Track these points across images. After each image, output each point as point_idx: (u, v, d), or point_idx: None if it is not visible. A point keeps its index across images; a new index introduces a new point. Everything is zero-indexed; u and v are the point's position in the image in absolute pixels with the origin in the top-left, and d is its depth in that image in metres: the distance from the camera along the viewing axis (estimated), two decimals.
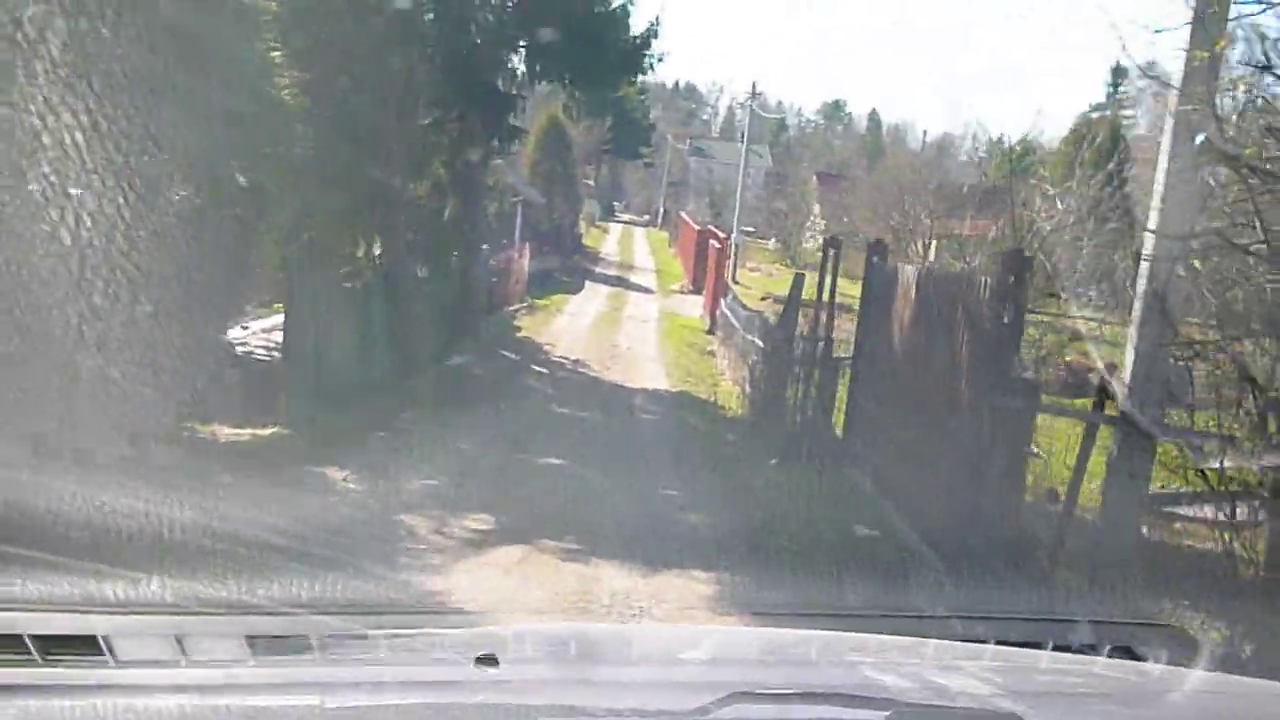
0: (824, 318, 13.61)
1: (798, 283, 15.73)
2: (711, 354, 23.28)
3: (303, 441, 10.10)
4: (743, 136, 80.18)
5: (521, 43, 18.47)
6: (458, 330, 19.96)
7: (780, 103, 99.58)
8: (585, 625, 4.84)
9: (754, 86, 35.47)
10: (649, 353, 21.88)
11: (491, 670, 1.94)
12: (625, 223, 63.68)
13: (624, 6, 18.81)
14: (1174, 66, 6.74)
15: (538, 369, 18.66)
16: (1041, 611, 5.49)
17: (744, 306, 25.75)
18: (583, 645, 2.47)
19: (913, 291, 9.39)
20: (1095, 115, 76.92)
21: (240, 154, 11.03)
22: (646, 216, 68.66)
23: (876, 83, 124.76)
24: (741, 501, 10.31)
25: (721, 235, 28.80)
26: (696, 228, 35.89)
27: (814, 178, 59.85)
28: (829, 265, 13.84)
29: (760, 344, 17.26)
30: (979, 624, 4.12)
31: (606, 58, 18.98)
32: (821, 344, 13.02)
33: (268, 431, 10.57)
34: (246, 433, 10.33)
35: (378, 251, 15.54)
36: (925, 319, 8.90)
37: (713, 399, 17.51)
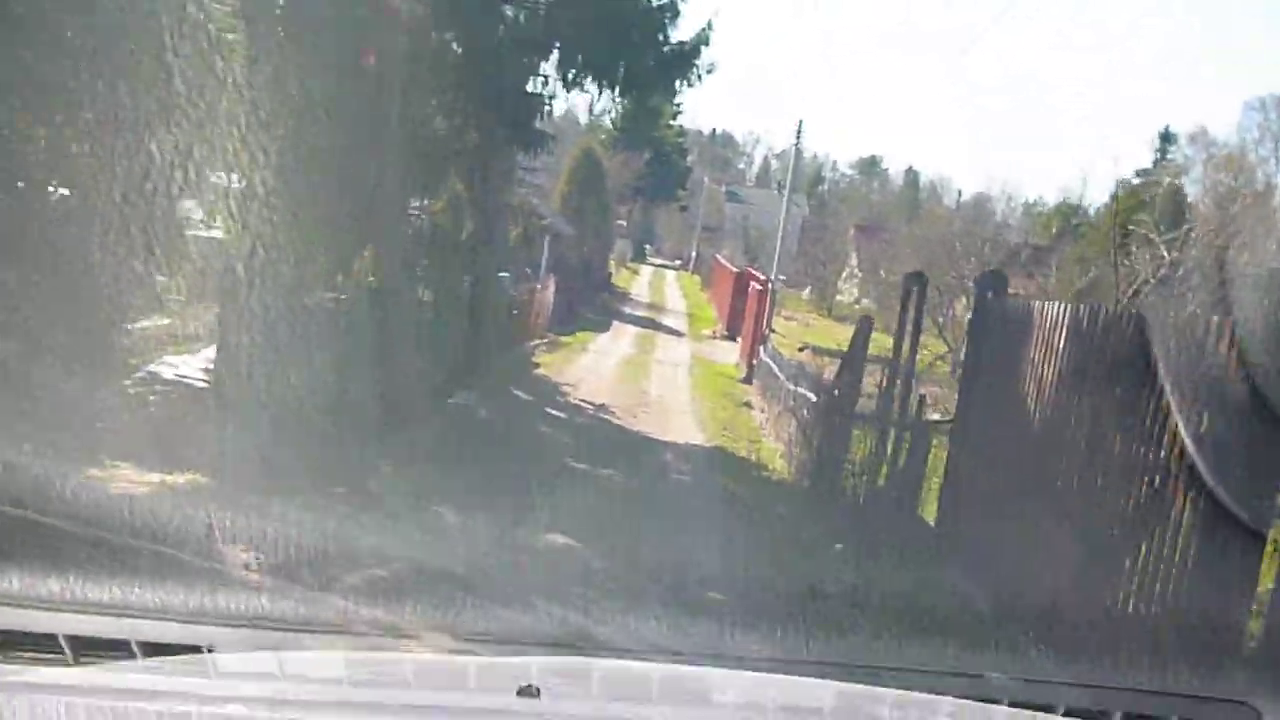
0: (904, 370, 10.97)
1: (864, 329, 13.13)
2: (749, 406, 20.63)
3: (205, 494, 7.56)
4: (784, 180, 78.11)
5: (554, 41, 16.09)
6: (466, 364, 17.44)
7: (815, 155, 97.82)
8: (623, 662, 4.02)
9: (800, 125, 33.06)
10: (680, 401, 19.25)
11: (534, 702, 2.07)
12: (657, 266, 61.31)
13: (672, 3, 16.49)
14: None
15: (555, 413, 16.08)
16: None
17: (783, 355, 23.17)
18: (621, 681, 2.57)
19: (1068, 338, 6.76)
20: (1138, 181, 74.55)
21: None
22: (678, 261, 66.34)
23: (912, 140, 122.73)
24: (805, 609, 7.62)
25: (762, 278, 26.29)
26: (734, 270, 33.39)
27: (852, 229, 57.54)
28: (911, 306, 11.22)
29: (813, 398, 14.66)
30: None
31: (650, 59, 16.56)
32: (904, 402, 10.36)
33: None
34: None
35: (368, 270, 13.05)
36: (1100, 378, 6.25)
37: (754, 459, 14.86)
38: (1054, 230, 44.61)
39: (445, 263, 16.87)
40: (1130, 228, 33.30)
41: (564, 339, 25.63)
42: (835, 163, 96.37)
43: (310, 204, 12.32)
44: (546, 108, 17.65)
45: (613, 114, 60.23)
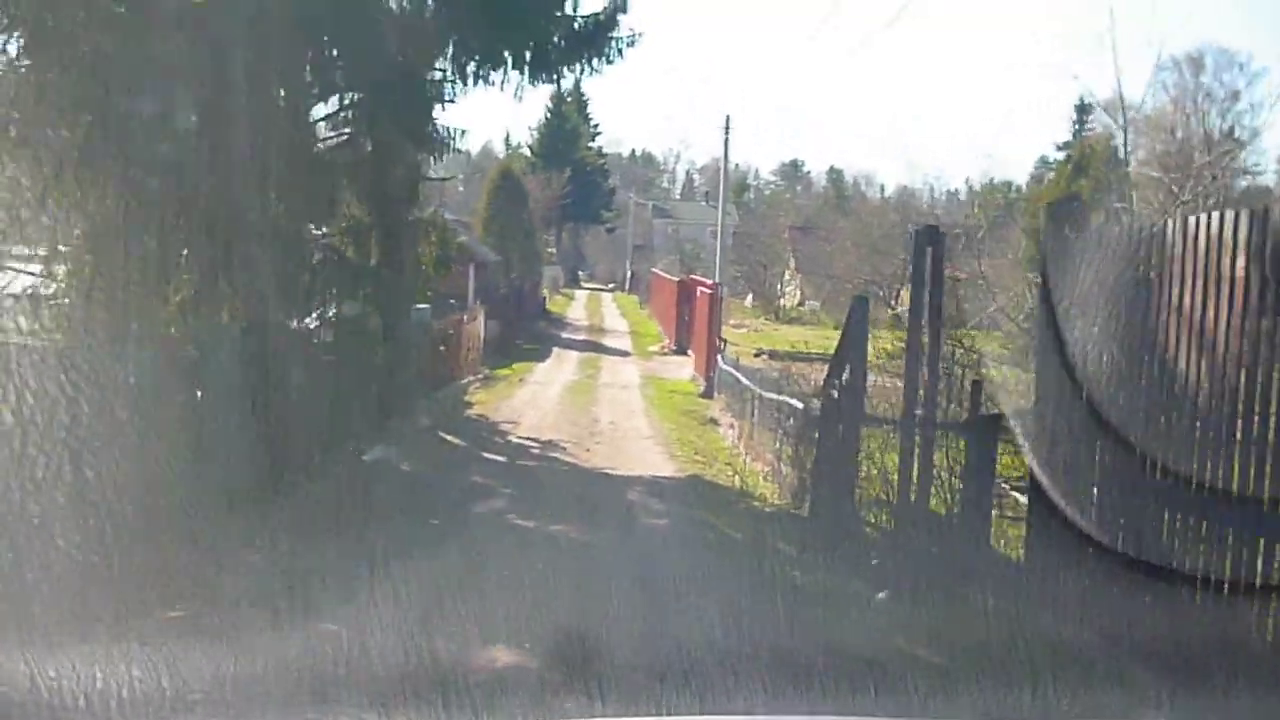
0: (928, 354, 8.37)
1: (859, 310, 10.52)
2: (714, 423, 18.00)
3: None
4: (711, 192, 76.17)
5: (456, 38, 13.43)
6: (382, 410, 14.55)
7: (737, 165, 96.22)
8: None
9: (727, 120, 30.70)
10: (638, 426, 16.51)
11: None
12: (591, 289, 58.67)
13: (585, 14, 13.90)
14: None
15: (492, 458, 13.23)
16: None
17: (744, 363, 20.60)
18: None
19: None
20: (1061, 154, 73.89)
21: None
22: (612, 284, 63.82)
23: (831, 141, 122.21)
24: (848, 681, 4.93)
25: (709, 283, 23.76)
26: (675, 280, 30.86)
27: (786, 231, 55.58)
28: (926, 271, 8.60)
29: (798, 405, 12.10)
30: None
31: (557, 32, 13.94)
32: (936, 396, 7.76)
33: None
34: None
35: (234, 305, 10.14)
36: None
37: (738, 485, 12.17)
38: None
39: (346, 294, 14.00)
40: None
41: (500, 372, 22.79)
42: (757, 170, 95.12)
43: (152, 226, 9.49)
44: (454, 126, 15.02)
45: (531, 135, 57.78)
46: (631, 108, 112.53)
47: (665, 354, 28.52)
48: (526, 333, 30.52)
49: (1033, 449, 6.21)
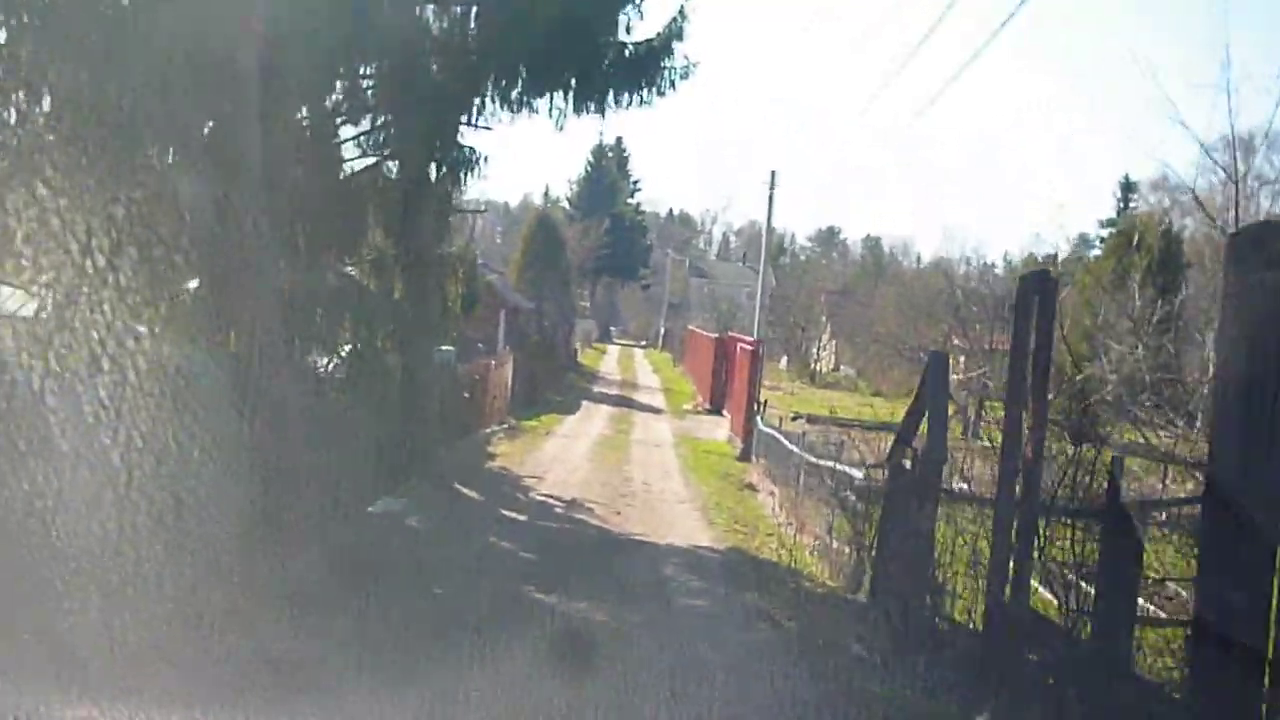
0: (1033, 423, 6.91)
1: (939, 365, 9.15)
2: (753, 489, 16.50)
3: None
4: (747, 253, 75.09)
5: (488, 34, 12.33)
6: (395, 458, 13.26)
7: (774, 229, 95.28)
8: None
9: (772, 176, 29.48)
10: (673, 488, 15.06)
11: None
12: (624, 345, 57.50)
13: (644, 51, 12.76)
14: None
15: (512, 516, 11.83)
16: None
17: (776, 426, 19.14)
18: None
19: None
20: (1105, 231, 72.33)
21: None
22: (644, 341, 62.66)
23: (868, 209, 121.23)
24: None
25: (750, 340, 22.41)
26: (713, 336, 29.55)
27: (823, 295, 54.32)
28: (1032, 322, 7.17)
29: (857, 476, 10.70)
30: None
31: (606, 57, 12.82)
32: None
33: None
34: None
35: (236, 339, 8.90)
36: None
37: (786, 561, 10.68)
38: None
39: (364, 329, 12.79)
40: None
41: (526, 423, 21.46)
42: (793, 235, 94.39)
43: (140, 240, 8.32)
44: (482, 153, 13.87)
45: (569, 188, 57.11)
46: (671, 168, 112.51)
47: (699, 412, 27.11)
48: (556, 384, 29.26)
49: (1207, 545, 4.75)
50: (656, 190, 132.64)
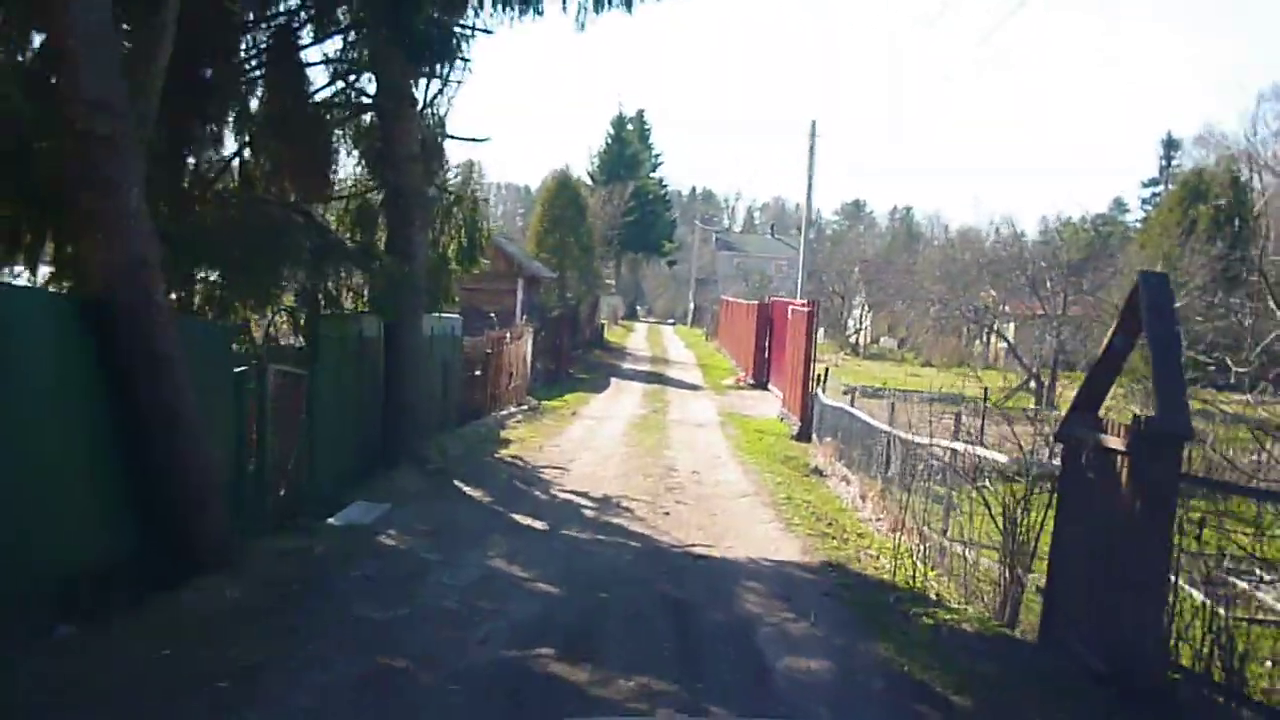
0: None
1: (1156, 293, 5.93)
2: (820, 474, 13.29)
3: None
4: (774, 224, 71.54)
5: None
6: (376, 448, 10.15)
7: (797, 205, 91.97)
8: None
9: (813, 126, 26.14)
10: (730, 479, 11.87)
11: None
12: (650, 323, 54.24)
13: None
14: None
15: (525, 523, 8.68)
16: None
17: (841, 399, 15.90)
18: None
19: None
20: (1148, 191, 68.02)
21: None
22: (672, 320, 59.38)
23: (895, 181, 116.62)
24: None
25: (802, 304, 19.11)
26: (753, 304, 26.27)
27: (857, 267, 50.80)
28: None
29: (1003, 461, 7.56)
30: None
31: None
32: None
33: None
34: None
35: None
36: None
37: (902, 581, 7.50)
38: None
39: (331, 284, 9.68)
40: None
41: (549, 404, 18.34)
42: (819, 210, 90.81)
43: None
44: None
45: (590, 162, 53.65)
46: (693, 145, 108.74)
47: (741, 388, 23.89)
48: (582, 362, 26.14)
49: None
50: (679, 168, 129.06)
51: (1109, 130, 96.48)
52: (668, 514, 9.30)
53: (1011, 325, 42.68)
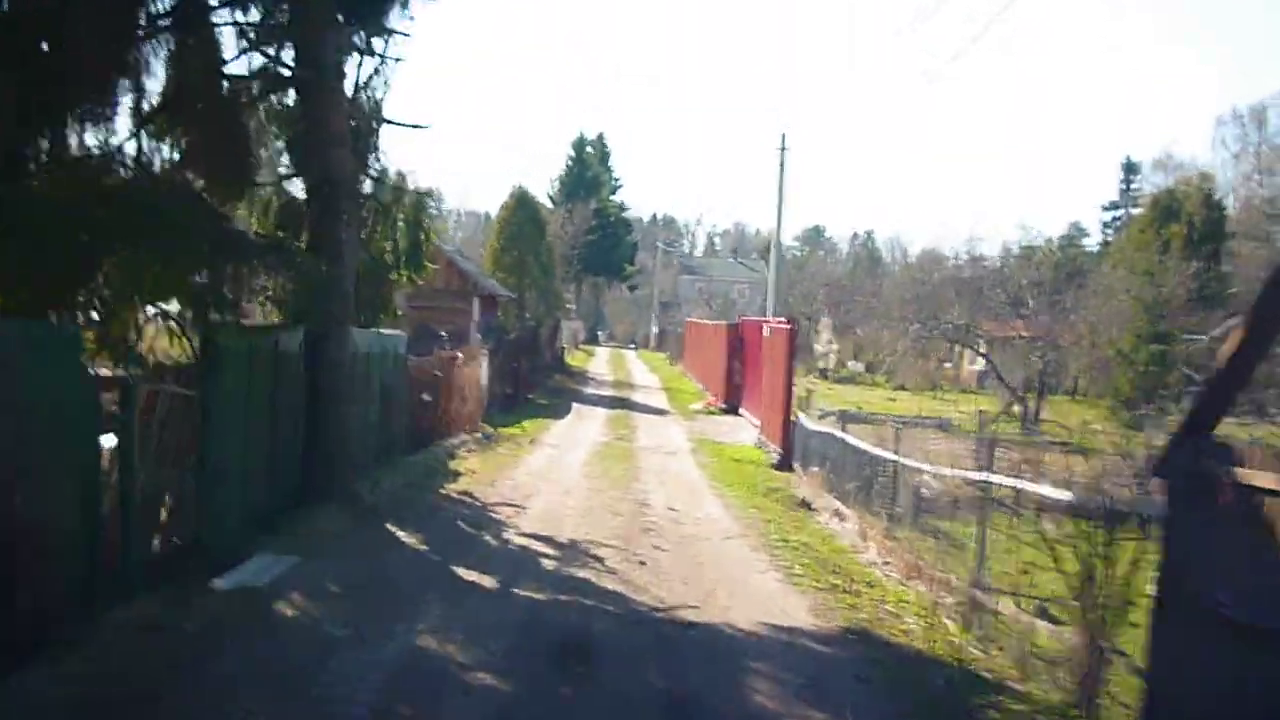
0: None
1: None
2: (808, 507, 11.73)
3: None
4: (736, 248, 70.46)
5: None
6: (290, 484, 8.35)
7: (758, 230, 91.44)
8: None
9: (783, 139, 24.77)
10: (710, 514, 10.20)
11: None
12: (612, 348, 52.58)
13: None
14: None
15: (471, 580, 6.92)
16: None
17: (829, 424, 14.38)
18: None
19: None
20: (1108, 216, 67.76)
21: None
22: (633, 344, 57.77)
23: (854, 207, 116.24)
24: None
25: (781, 322, 17.56)
26: (722, 324, 24.72)
27: (821, 291, 49.68)
28: None
29: (1063, 500, 5.98)
30: None
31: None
32: None
33: None
34: None
35: None
36: None
37: (944, 652, 5.87)
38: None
39: (228, 289, 7.91)
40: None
41: (507, 430, 16.59)
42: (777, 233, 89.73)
43: None
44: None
45: (550, 185, 52.06)
46: (652, 172, 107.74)
47: (712, 412, 22.28)
48: (542, 386, 24.39)
49: None
50: (639, 195, 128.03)
51: (1063, 155, 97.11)
52: (644, 563, 7.61)
53: (982, 345, 41.48)
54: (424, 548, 7.77)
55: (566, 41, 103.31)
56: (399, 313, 11.78)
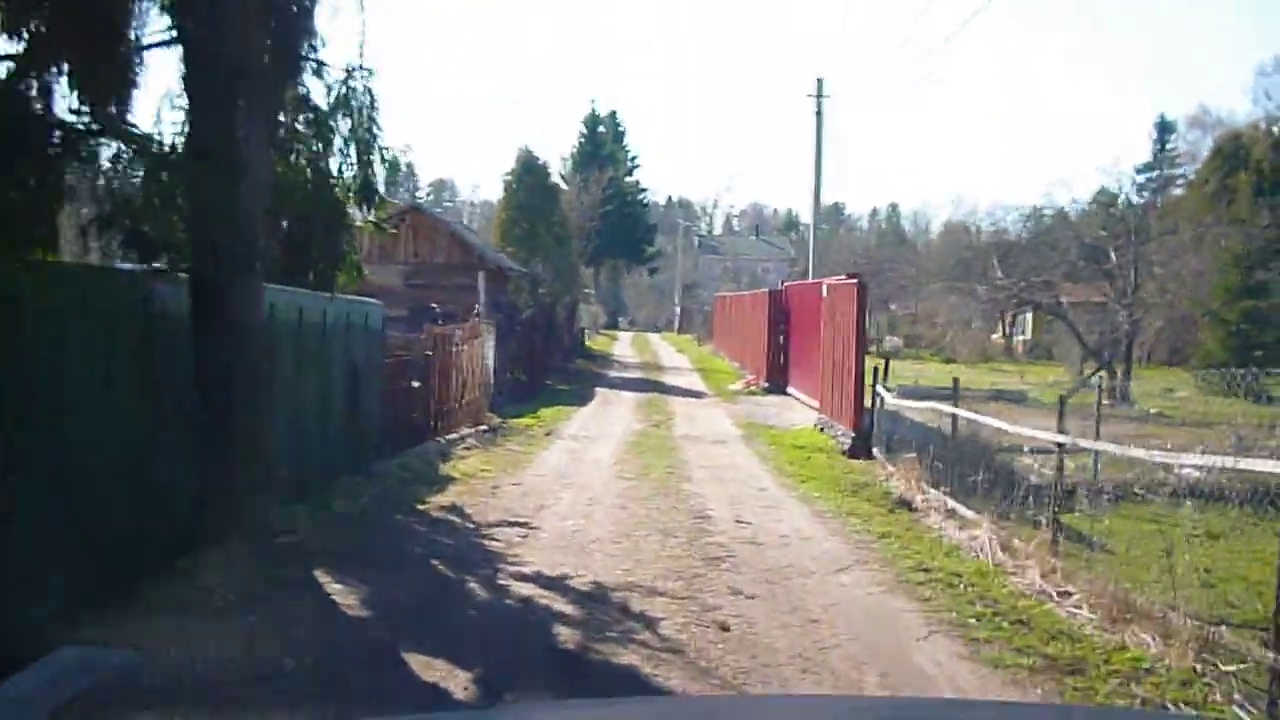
0: None
1: None
2: (909, 507, 8.64)
3: None
4: (759, 226, 67.13)
5: None
6: (177, 517, 5.35)
7: (776, 210, 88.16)
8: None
9: (819, 85, 21.44)
10: (798, 531, 7.06)
11: None
12: (634, 333, 49.45)
13: None
14: None
15: (424, 678, 3.89)
16: None
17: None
18: None
19: None
20: (1142, 178, 63.96)
21: None
22: (656, 328, 54.58)
23: (874, 184, 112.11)
24: None
25: (840, 281, 14.37)
26: (762, 292, 21.56)
27: (853, 263, 46.39)
28: None
29: None
30: None
31: None
32: None
33: None
34: None
35: None
36: None
37: None
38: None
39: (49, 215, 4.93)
40: None
41: (518, 421, 13.54)
42: (798, 214, 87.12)
43: None
44: None
45: (563, 164, 48.84)
46: (669, 153, 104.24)
47: (754, 393, 19.15)
48: (560, 371, 21.34)
49: None
50: (653, 177, 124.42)
51: (1087, 119, 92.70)
52: (726, 628, 4.53)
53: (1029, 315, 37.88)
54: (365, 613, 4.72)
55: (574, 21, 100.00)
56: (362, 270, 8.72)
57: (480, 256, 18.31)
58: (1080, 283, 23.19)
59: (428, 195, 67.14)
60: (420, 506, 7.47)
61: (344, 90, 7.11)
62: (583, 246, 30.48)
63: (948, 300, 30.32)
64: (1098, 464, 12.04)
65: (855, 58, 65.84)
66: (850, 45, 70.04)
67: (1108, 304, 20.49)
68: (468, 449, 10.83)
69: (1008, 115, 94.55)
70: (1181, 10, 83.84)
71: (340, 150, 7.21)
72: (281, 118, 6.69)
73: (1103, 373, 20.57)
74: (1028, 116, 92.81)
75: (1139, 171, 64.05)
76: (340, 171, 7.34)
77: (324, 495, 7.21)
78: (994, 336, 36.55)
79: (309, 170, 7.25)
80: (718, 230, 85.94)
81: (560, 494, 8.30)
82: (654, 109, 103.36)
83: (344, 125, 7.20)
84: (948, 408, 9.47)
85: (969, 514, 8.28)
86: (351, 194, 7.39)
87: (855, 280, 13.02)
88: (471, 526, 6.79)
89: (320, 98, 7.11)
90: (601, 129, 51.40)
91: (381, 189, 7.71)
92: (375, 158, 7.31)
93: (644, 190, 57.17)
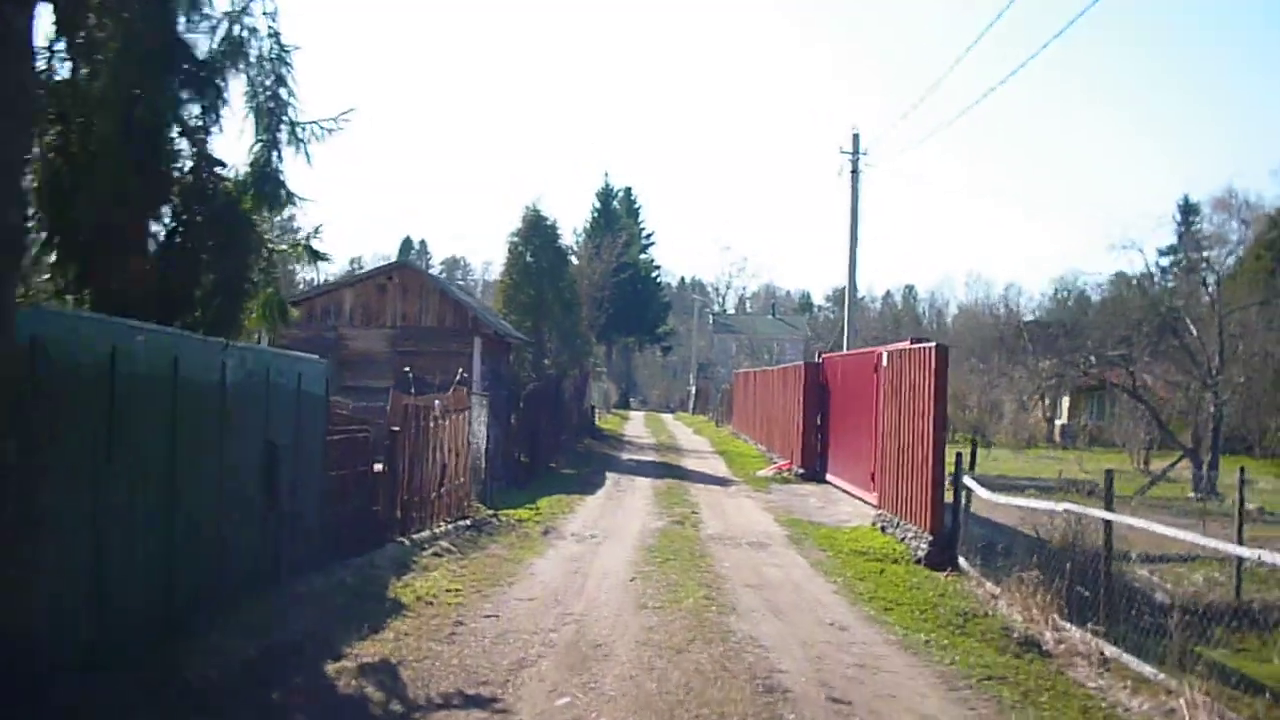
0: None
1: None
2: (1041, 652, 5.88)
3: None
4: (774, 305, 64.97)
5: None
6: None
7: (788, 292, 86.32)
8: None
9: (856, 140, 19.10)
10: (928, 718, 4.39)
11: None
12: (647, 412, 46.73)
13: None
14: None
15: None
16: None
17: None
18: None
19: None
20: (1165, 260, 61.66)
21: None
22: (670, 409, 51.85)
23: (884, 266, 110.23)
24: None
25: (908, 345, 11.72)
26: (797, 366, 18.90)
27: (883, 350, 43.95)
28: None
29: None
30: None
31: None
32: None
33: None
34: None
35: None
36: None
37: None
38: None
39: None
40: None
41: (512, 513, 10.87)
42: (809, 294, 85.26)
43: None
44: None
45: (575, 238, 46.78)
46: (681, 237, 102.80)
47: (787, 480, 16.38)
48: (568, 452, 18.67)
49: None
50: (666, 257, 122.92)
51: (1099, 206, 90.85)
52: None
53: (1065, 399, 35.17)
54: None
55: (587, 104, 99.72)
56: (292, 312, 6.19)
57: (475, 320, 15.87)
58: (1157, 359, 20.57)
59: (440, 272, 65.38)
60: (333, 664, 4.77)
61: (237, 33, 4.67)
62: (594, 317, 27.98)
63: (980, 381, 27.71)
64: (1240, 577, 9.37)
65: (869, 140, 64.51)
66: (865, 128, 68.71)
67: (1189, 384, 17.79)
68: (437, 555, 8.13)
69: (1018, 195, 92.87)
70: (1202, 99, 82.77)
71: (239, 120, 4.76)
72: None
73: (1173, 465, 17.81)
74: (1038, 195, 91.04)
75: (1161, 254, 61.72)
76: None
77: (188, 641, 4.56)
78: (1030, 420, 33.88)
79: (190, 145, 4.79)
80: (731, 308, 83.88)
81: (552, 635, 5.60)
82: (666, 192, 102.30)
83: (238, 84, 4.76)
84: (1092, 511, 6.76)
85: (1143, 669, 5.65)
86: (249, 189, 4.91)
87: (932, 346, 10.41)
88: (398, 713, 4.08)
89: (203, 44, 4.71)
90: (616, 204, 49.59)
91: (292, 182, 5.20)
92: (283, 134, 4.84)
93: (657, 268, 55.12)
